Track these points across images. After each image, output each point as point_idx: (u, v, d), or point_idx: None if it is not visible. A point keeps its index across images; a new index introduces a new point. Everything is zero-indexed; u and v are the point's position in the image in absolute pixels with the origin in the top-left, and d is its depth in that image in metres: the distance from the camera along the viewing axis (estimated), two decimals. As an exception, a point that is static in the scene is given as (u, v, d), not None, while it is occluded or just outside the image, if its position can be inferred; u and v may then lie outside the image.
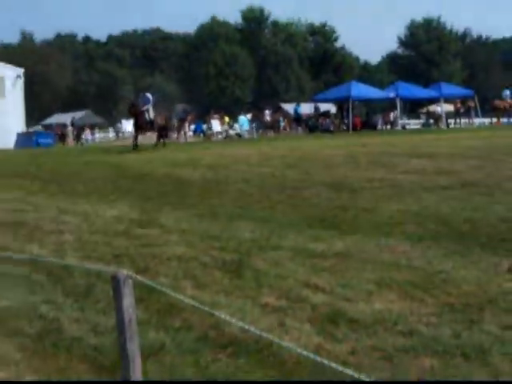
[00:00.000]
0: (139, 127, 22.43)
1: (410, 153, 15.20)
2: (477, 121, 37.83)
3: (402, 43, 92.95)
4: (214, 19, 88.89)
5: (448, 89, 37.43)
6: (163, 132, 23.05)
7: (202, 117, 41.02)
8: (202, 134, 36.74)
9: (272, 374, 3.97)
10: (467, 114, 36.43)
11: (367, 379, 2.69)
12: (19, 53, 70.16)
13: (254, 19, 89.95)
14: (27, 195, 11.48)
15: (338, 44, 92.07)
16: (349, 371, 2.70)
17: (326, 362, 2.83)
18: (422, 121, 42.28)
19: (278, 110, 49.04)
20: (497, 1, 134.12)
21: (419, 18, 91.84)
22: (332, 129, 32.44)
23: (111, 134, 54.01)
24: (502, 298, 5.09)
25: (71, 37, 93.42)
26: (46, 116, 64.10)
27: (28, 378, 4.09)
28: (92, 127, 52.43)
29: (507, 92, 34.49)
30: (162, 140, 22.64)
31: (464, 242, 6.86)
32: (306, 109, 38.39)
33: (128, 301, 3.19)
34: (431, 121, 37.88)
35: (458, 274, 5.73)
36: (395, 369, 4.00)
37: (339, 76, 78.81)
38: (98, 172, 15.01)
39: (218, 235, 7.56)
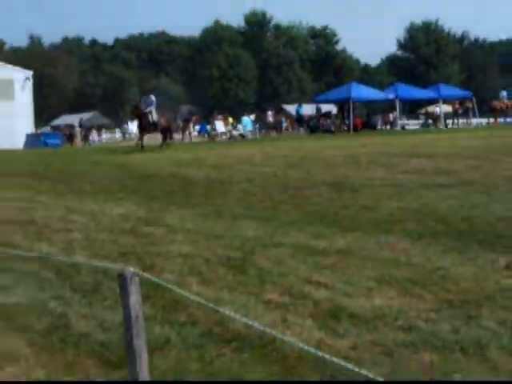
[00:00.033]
0: (143, 129, 22.57)
1: (409, 153, 15.27)
2: (474, 121, 38.01)
3: (402, 46, 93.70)
4: (217, 23, 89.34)
5: (446, 90, 37.68)
6: (167, 133, 23.17)
7: (206, 118, 41.13)
8: (206, 135, 36.88)
9: (275, 369, 3.99)
10: (465, 114, 36.68)
11: (369, 374, 2.68)
12: (28, 56, 71.11)
13: (257, 23, 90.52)
14: (36, 194, 11.54)
15: (339, 47, 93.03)
16: (350, 366, 2.72)
17: (327, 356, 2.84)
18: (420, 121, 42.59)
19: (280, 111, 49.17)
20: (493, 4, 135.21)
21: (418, 21, 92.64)
22: (333, 129, 32.54)
23: (118, 134, 54.15)
24: (500, 294, 5.14)
25: (78, 40, 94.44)
26: (54, 117, 64.59)
27: (37, 373, 4.08)
28: (99, 128, 52.61)
29: (504, 93, 34.94)
30: (165, 140, 22.80)
31: (462, 240, 6.93)
32: (308, 110, 38.64)
33: (135, 298, 3.19)
34: (430, 121, 38.11)
35: (457, 271, 5.79)
36: (395, 363, 4.02)
37: (340, 78, 79.35)
38: (105, 172, 15.10)
39: (222, 234, 7.63)
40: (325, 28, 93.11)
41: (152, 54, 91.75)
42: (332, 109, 36.33)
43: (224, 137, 35.21)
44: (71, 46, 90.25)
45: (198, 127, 38.44)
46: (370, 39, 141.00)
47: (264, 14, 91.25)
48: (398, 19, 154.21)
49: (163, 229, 8.11)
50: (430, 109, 38.73)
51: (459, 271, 5.79)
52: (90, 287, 5.64)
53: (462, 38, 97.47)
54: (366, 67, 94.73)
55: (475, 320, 4.66)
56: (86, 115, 56.73)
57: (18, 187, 12.59)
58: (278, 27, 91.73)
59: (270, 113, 39.09)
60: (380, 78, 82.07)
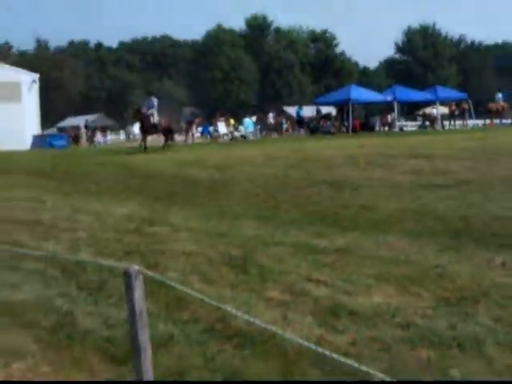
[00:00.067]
0: (145, 131, 22.68)
1: (407, 154, 15.28)
2: (471, 122, 38.16)
3: (399, 49, 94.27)
4: (219, 27, 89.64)
5: (443, 92, 37.88)
6: (168, 134, 23.26)
7: (209, 119, 41.25)
8: (208, 136, 36.99)
9: (275, 364, 4.03)
10: (462, 115, 36.79)
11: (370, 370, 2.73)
12: (35, 59, 71.96)
13: (258, 26, 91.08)
14: (43, 194, 11.53)
15: (338, 50, 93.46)
16: (349, 361, 2.76)
17: (327, 352, 2.88)
18: (418, 123, 42.72)
19: (281, 112, 49.17)
20: (490, 8, 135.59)
21: (416, 25, 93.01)
22: (332, 131, 32.74)
23: (122, 136, 54.27)
24: (495, 291, 5.20)
25: (84, 44, 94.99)
26: (60, 119, 64.93)
27: (43, 370, 4.10)
28: (104, 130, 52.75)
29: (500, 95, 35.01)
30: (167, 141, 22.91)
31: (459, 239, 7.01)
32: (308, 111, 38.91)
33: (139, 293, 3.24)
34: (427, 123, 38.30)
35: (454, 269, 5.85)
36: (394, 359, 4.07)
37: (339, 80, 79.74)
38: (110, 172, 15.12)
39: (224, 233, 7.69)
40: (324, 32, 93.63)
41: (156, 57, 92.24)
42: (332, 111, 36.44)
43: (226, 138, 35.32)
44: (77, 49, 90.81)
45: (200, 128, 38.55)
46: (368, 42, 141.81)
47: (265, 18, 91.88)
48: (396, 23, 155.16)
49: (167, 228, 8.14)
50: (428, 110, 38.99)
51: (456, 269, 5.85)
52: (96, 285, 5.66)
53: (459, 41, 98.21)
54: (365, 70, 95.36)
55: (472, 317, 4.71)
56: (91, 117, 56.82)
57: (25, 187, 12.58)
58: (278, 31, 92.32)
59: (271, 114, 39.16)
60: (378, 81, 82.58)
